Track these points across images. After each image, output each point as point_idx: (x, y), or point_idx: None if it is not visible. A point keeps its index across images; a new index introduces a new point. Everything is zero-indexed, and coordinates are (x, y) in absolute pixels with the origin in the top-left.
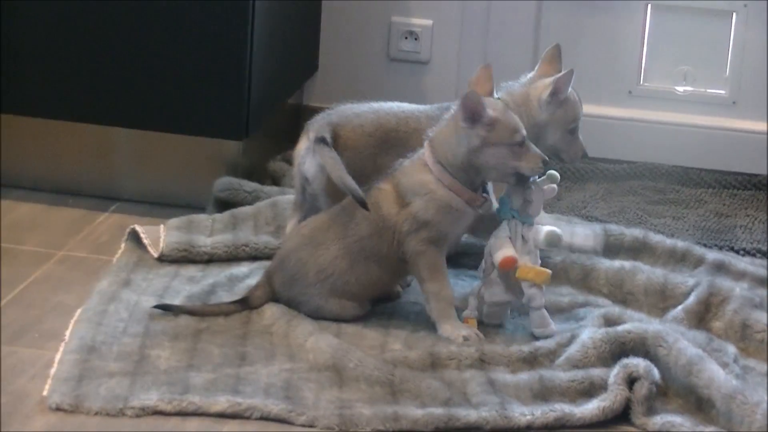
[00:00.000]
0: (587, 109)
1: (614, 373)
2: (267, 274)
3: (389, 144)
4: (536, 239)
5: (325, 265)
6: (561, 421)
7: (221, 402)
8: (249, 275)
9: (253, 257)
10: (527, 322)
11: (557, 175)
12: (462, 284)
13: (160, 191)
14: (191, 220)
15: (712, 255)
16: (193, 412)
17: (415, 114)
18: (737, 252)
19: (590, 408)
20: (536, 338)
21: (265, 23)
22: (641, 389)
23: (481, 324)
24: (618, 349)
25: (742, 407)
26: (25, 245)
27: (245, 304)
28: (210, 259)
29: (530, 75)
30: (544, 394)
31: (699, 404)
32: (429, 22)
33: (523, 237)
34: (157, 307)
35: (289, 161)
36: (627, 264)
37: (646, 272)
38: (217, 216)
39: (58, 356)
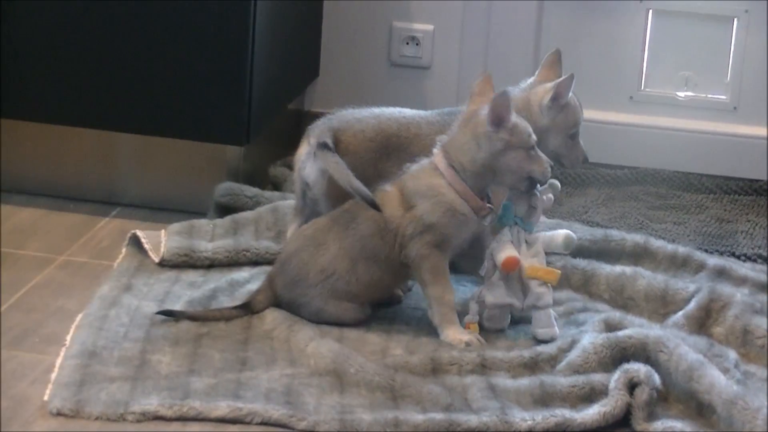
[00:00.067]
0: (588, 114)
1: (615, 379)
2: (268, 278)
3: (390, 149)
4: (554, 243)
5: (326, 265)
6: (562, 427)
7: (222, 407)
8: (250, 280)
9: (254, 262)
10: (528, 328)
11: (558, 184)
12: (463, 289)
13: (161, 196)
14: (192, 225)
15: (713, 260)
16: (194, 417)
17: (416, 119)
18: (738, 257)
19: (591, 413)
20: (537, 342)
21: (267, 28)
22: (642, 394)
23: (482, 329)
24: (619, 355)
25: (743, 412)
26: (25, 250)
27: (247, 309)
28: (211, 264)
29: (530, 80)
30: (544, 399)
31: (700, 410)
32: (430, 27)
33: (526, 242)
34: (159, 313)
35: (291, 166)
36: (628, 269)
37: (647, 278)
38: (218, 221)
39: (58, 361)
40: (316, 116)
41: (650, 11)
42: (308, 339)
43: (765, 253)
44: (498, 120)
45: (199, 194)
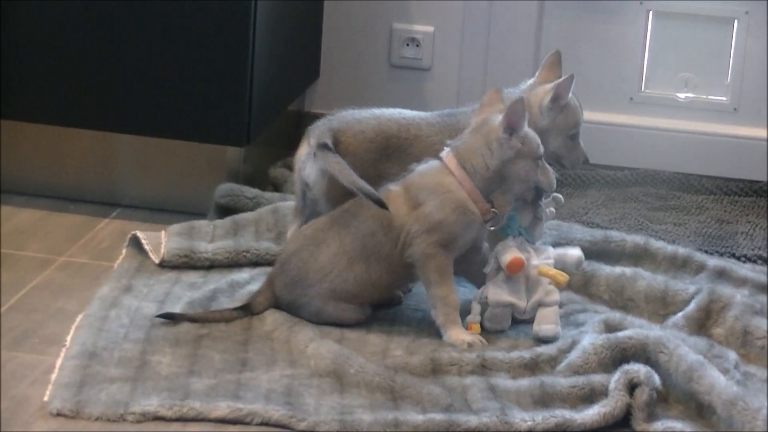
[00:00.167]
0: (588, 115)
1: (615, 379)
2: (269, 280)
3: (390, 150)
4: (565, 261)
5: (325, 263)
6: (562, 427)
7: (222, 407)
8: (250, 281)
9: (254, 263)
10: (528, 329)
11: (561, 198)
12: (462, 290)
13: (161, 197)
14: (192, 226)
15: (713, 261)
16: (194, 418)
17: (416, 121)
18: (738, 258)
19: (591, 414)
20: (538, 343)
21: (267, 29)
22: (642, 395)
23: (483, 329)
24: (619, 355)
25: (743, 413)
26: (26, 251)
27: (247, 310)
28: (211, 265)
29: (530, 81)
30: (544, 400)
31: (700, 410)
32: (430, 28)
33: (533, 251)
34: (159, 316)
35: (291, 167)
36: (628, 270)
37: (647, 279)
38: (219, 222)
39: (59, 362)
40: (317, 117)
41: (650, 12)
42: (308, 340)
43: (765, 254)
44: (512, 127)
45: (199, 195)
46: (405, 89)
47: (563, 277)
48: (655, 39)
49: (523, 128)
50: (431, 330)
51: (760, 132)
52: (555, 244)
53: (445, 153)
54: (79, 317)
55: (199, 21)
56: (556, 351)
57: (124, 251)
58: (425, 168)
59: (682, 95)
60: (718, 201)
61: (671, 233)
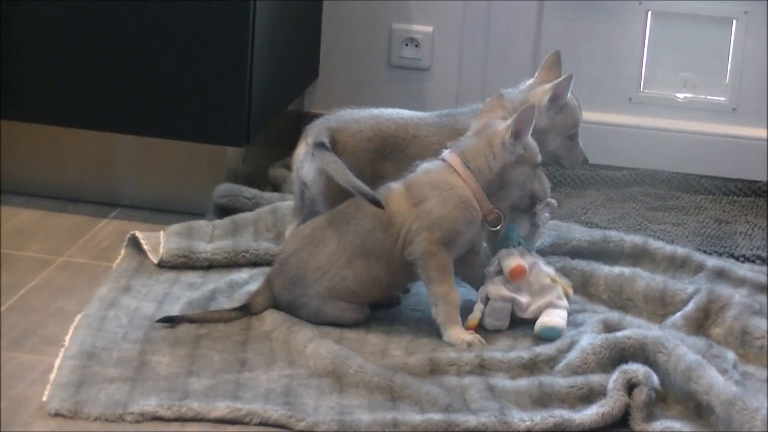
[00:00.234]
0: (587, 115)
1: (613, 379)
2: (267, 280)
3: (388, 150)
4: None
5: (324, 262)
6: (560, 427)
7: (221, 407)
8: (249, 281)
9: (254, 263)
10: (528, 328)
11: (555, 203)
12: (461, 291)
13: (160, 197)
14: (191, 227)
15: (711, 261)
16: (193, 418)
17: (414, 121)
18: (737, 258)
19: (589, 414)
20: (536, 343)
21: (266, 30)
22: (640, 395)
23: (483, 328)
24: (617, 355)
25: (742, 413)
26: (25, 251)
27: (246, 310)
28: (210, 266)
29: (529, 81)
30: (543, 400)
31: (698, 410)
32: (429, 28)
33: (536, 258)
34: (159, 321)
35: (290, 168)
36: (627, 270)
37: (646, 279)
38: (218, 222)
39: (57, 362)
40: (316, 117)
41: (649, 13)
42: (307, 340)
43: (764, 254)
44: (520, 132)
45: (198, 195)
46: (404, 89)
47: (569, 290)
48: (654, 39)
49: (527, 135)
50: (430, 330)
51: (759, 132)
52: (554, 245)
53: (448, 154)
54: (78, 317)
55: (199, 21)
56: (554, 351)
57: (123, 251)
58: (429, 166)
59: (681, 95)
60: (717, 201)
61: (670, 233)
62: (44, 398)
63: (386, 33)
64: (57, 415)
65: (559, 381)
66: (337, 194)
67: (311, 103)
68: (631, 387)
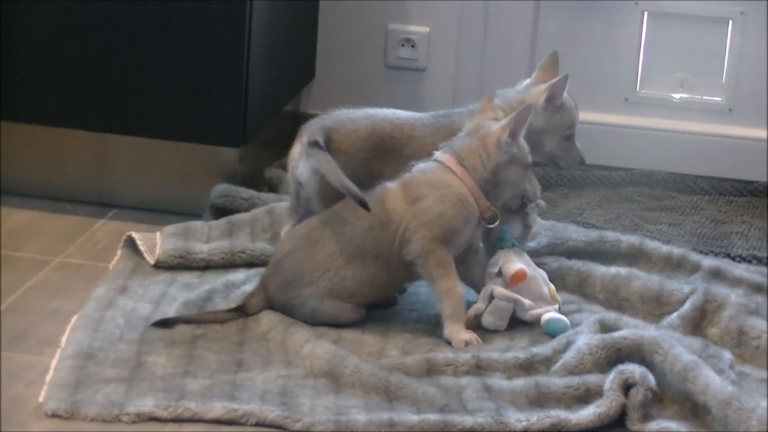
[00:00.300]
0: (583, 116)
1: (610, 379)
2: (262, 281)
3: (383, 150)
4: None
5: (321, 262)
6: (557, 427)
7: (217, 408)
8: (245, 282)
9: (250, 264)
10: (526, 328)
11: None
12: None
13: (157, 198)
14: (188, 227)
15: (708, 261)
16: (189, 419)
17: (410, 121)
18: (733, 259)
19: (586, 414)
20: (533, 343)
21: (263, 30)
22: (637, 395)
23: (482, 327)
24: (614, 356)
25: (738, 413)
26: (22, 252)
27: (241, 311)
28: (206, 266)
29: (526, 82)
30: (540, 400)
31: (695, 410)
32: (426, 29)
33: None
34: (154, 324)
35: (286, 168)
36: (623, 270)
37: (642, 279)
38: (214, 223)
39: (54, 362)
40: (312, 118)
41: (645, 13)
42: (304, 340)
43: (760, 254)
44: (516, 131)
45: (195, 196)
46: (400, 90)
47: (558, 302)
48: (650, 39)
49: (521, 135)
50: (427, 330)
51: (755, 132)
52: (550, 245)
53: (441, 154)
54: (75, 318)
55: (195, 22)
56: (551, 351)
57: (119, 252)
58: (424, 166)
59: (677, 95)
60: (713, 201)
61: (666, 233)
62: (41, 399)
63: (383, 33)
64: (54, 415)
65: (555, 381)
66: (331, 194)
67: (308, 104)
68: (627, 387)
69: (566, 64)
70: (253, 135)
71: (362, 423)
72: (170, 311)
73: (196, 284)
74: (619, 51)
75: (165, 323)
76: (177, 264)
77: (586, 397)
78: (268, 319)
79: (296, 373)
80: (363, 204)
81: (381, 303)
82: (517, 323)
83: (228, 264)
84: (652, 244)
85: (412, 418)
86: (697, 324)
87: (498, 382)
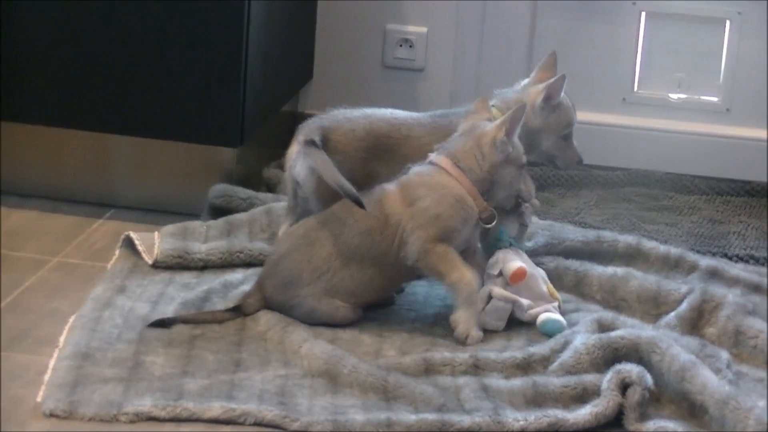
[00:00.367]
0: (581, 116)
1: (607, 379)
2: (259, 281)
3: (380, 150)
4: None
5: (319, 263)
6: (554, 427)
7: (215, 408)
8: (244, 282)
9: (248, 264)
10: (524, 329)
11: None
12: None
13: (155, 198)
14: (186, 227)
15: (705, 261)
16: (187, 418)
17: (407, 121)
18: (730, 258)
19: (583, 413)
20: (530, 343)
21: (261, 30)
22: (634, 395)
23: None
24: (611, 355)
25: (736, 413)
26: (20, 252)
27: (238, 311)
28: (205, 266)
29: (525, 82)
30: (537, 399)
31: (692, 410)
32: (424, 29)
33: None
34: (151, 325)
35: (284, 168)
36: (620, 270)
37: (639, 279)
38: (212, 223)
39: (52, 362)
40: (310, 118)
41: (643, 13)
42: (302, 340)
43: (757, 254)
44: (511, 130)
45: (193, 196)
46: (398, 90)
47: (558, 300)
48: (647, 39)
49: (516, 134)
50: (424, 330)
51: (752, 132)
52: (548, 245)
53: (436, 157)
54: (73, 318)
55: (193, 22)
56: (548, 351)
57: (117, 252)
58: (421, 169)
59: (674, 96)
60: (711, 201)
61: (664, 233)
62: (39, 399)
63: (380, 33)
64: (52, 415)
65: (552, 381)
66: (328, 193)
67: (305, 104)
68: (624, 387)
69: (564, 64)
70: (250, 135)
71: (360, 423)
72: (168, 311)
73: (194, 284)
74: (617, 51)
75: (162, 323)
76: (175, 264)
77: (583, 396)
78: (266, 318)
79: (294, 372)
80: (358, 203)
81: (378, 303)
82: (515, 323)
83: (226, 264)
84: (649, 244)
85: (409, 417)
86: (695, 324)
87: (495, 381)
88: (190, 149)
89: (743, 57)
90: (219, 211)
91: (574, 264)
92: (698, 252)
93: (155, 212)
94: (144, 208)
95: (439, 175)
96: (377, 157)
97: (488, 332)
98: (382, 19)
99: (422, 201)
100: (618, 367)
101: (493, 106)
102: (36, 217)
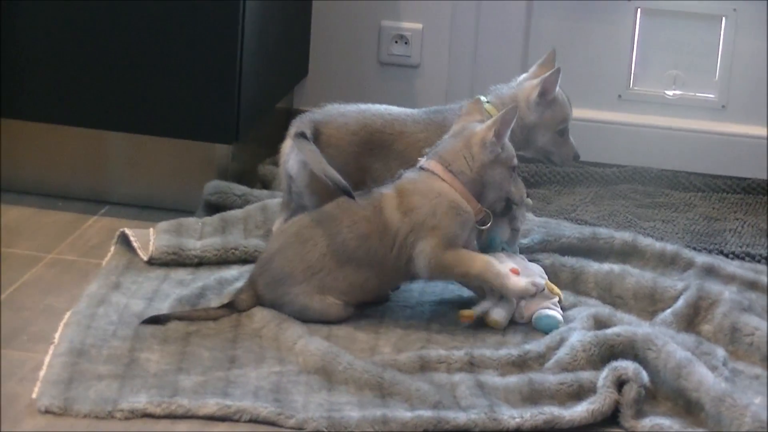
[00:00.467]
0: (577, 113)
1: (603, 376)
2: (251, 278)
3: (373, 145)
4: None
5: (313, 262)
6: (550, 424)
7: (210, 405)
8: (239, 278)
9: (243, 260)
10: (521, 327)
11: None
12: (451, 288)
13: (150, 194)
14: (181, 224)
15: (701, 258)
16: (183, 415)
17: (401, 117)
18: (726, 255)
19: (579, 410)
20: (526, 340)
21: (256, 27)
22: (630, 392)
23: (481, 325)
24: (607, 352)
25: (731, 410)
26: (14, 248)
27: (231, 308)
28: (200, 263)
29: (521, 77)
30: (533, 396)
31: (688, 407)
32: (419, 26)
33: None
34: (145, 322)
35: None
36: (616, 267)
37: (636, 276)
38: (207, 219)
39: (47, 359)
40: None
41: (639, 10)
42: (297, 337)
43: (753, 251)
44: (501, 132)
45: (188, 192)
46: (394, 86)
47: (558, 295)
48: (643, 36)
49: (506, 136)
50: (419, 327)
51: (748, 129)
52: (543, 242)
53: (426, 162)
54: (68, 314)
55: (189, 19)
56: (544, 348)
57: (112, 248)
58: (413, 176)
59: (670, 92)
60: (707, 198)
61: (659, 230)
62: (34, 395)
63: (376, 30)
64: (47, 412)
65: (548, 378)
66: (321, 187)
67: (301, 101)
68: (620, 384)
69: (560, 61)
70: (245, 132)
71: (355, 419)
72: (163, 308)
73: (189, 281)
74: (613, 48)
75: (157, 320)
76: (170, 260)
77: (579, 393)
78: (260, 315)
79: (289, 369)
80: (347, 192)
81: (373, 301)
82: (510, 321)
83: (221, 260)
84: (645, 241)
85: (405, 414)
86: (691, 321)
87: (491, 378)
88: (186, 146)
89: (739, 54)
90: (214, 208)
91: (570, 261)
92: (694, 249)
93: (150, 209)
94: (139, 204)
95: (431, 180)
96: (370, 152)
97: (484, 329)
98: (377, 16)
99: (418, 212)
100: (614, 364)
101: (487, 102)
102: (31, 213)
